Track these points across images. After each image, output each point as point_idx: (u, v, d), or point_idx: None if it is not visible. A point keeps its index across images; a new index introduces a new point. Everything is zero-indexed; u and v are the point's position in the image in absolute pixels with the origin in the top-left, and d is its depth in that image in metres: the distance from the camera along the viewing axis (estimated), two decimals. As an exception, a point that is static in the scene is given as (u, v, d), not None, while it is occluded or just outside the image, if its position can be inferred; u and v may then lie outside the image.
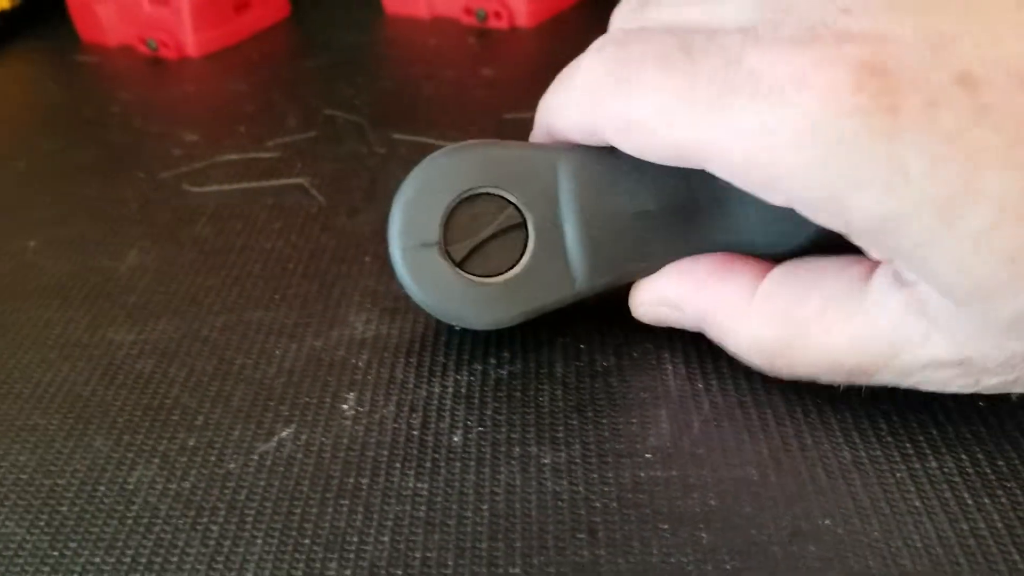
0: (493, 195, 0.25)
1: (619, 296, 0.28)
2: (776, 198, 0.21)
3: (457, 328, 0.28)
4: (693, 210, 0.25)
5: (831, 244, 0.23)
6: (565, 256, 0.25)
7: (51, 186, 0.39)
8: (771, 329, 0.23)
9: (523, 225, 0.25)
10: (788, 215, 0.21)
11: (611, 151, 0.24)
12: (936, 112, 0.18)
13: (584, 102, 0.24)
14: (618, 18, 0.26)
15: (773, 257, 0.25)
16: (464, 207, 0.25)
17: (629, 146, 0.23)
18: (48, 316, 0.31)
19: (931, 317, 0.20)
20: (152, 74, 0.50)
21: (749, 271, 0.25)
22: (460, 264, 0.25)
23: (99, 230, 0.35)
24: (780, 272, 0.24)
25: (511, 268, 0.25)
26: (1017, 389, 0.22)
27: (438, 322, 0.29)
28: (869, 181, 0.18)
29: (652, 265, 0.26)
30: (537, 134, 0.28)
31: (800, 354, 0.23)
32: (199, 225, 0.35)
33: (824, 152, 0.19)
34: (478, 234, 0.25)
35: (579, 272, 0.26)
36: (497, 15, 0.50)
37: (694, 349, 0.27)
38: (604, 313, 0.28)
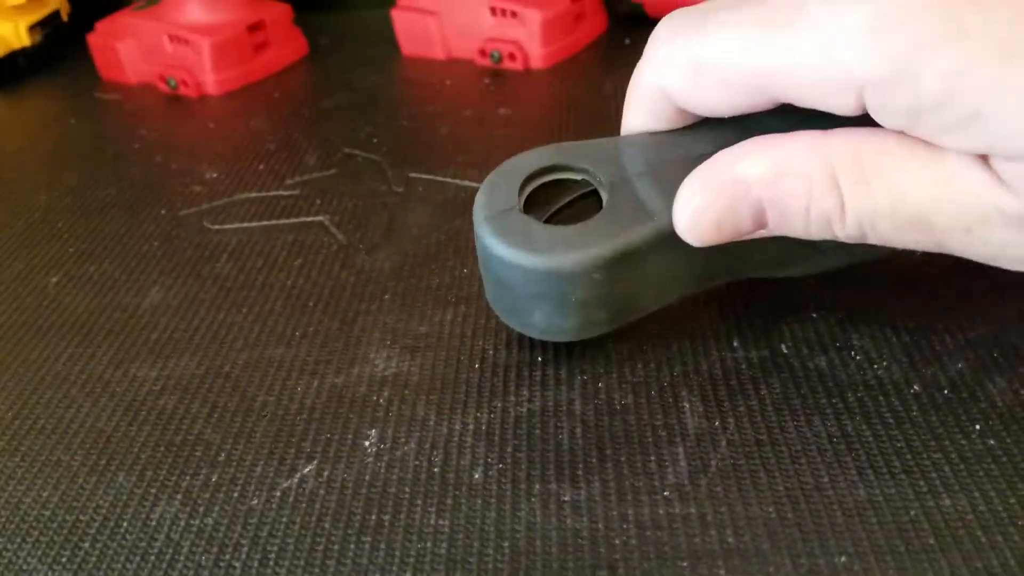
0: (565, 181, 0.28)
1: (637, 334, 0.29)
2: (847, 100, 0.22)
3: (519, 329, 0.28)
4: None
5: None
6: (638, 200, 0.26)
7: (73, 222, 0.40)
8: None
9: (596, 193, 0.27)
10: None
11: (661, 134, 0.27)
12: None
13: (659, 58, 0.25)
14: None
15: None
16: (541, 187, 0.27)
17: (702, 96, 0.25)
18: (71, 352, 0.31)
19: (999, 174, 0.21)
20: (172, 112, 0.51)
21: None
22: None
23: (121, 266, 0.36)
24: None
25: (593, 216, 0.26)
26: None
27: (458, 362, 0.29)
28: (933, 43, 0.20)
29: None
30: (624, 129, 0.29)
31: (870, 208, 0.23)
32: (220, 262, 0.35)
33: (894, 23, 0.20)
34: (556, 203, 0.27)
35: (656, 206, 0.25)
36: (512, 57, 0.51)
37: (711, 387, 0.27)
38: (622, 351, 0.29)
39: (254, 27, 0.52)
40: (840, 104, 0.22)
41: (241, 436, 0.27)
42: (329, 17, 0.62)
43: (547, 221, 0.27)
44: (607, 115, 0.45)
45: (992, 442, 0.24)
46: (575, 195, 0.27)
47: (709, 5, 0.24)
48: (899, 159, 0.22)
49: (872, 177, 0.22)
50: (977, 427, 0.25)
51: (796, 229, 0.24)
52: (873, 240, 0.23)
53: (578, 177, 0.27)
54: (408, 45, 0.55)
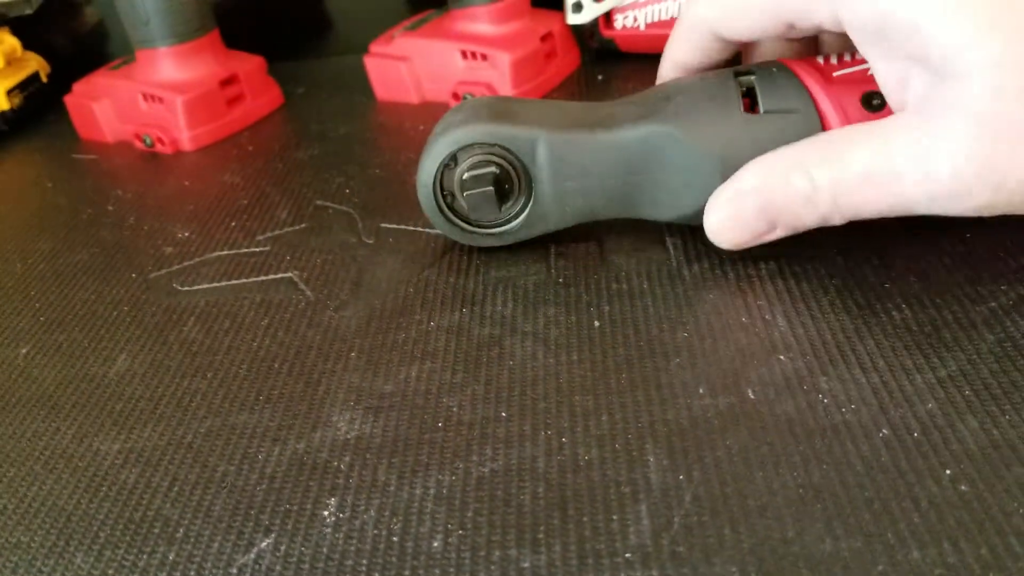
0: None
1: (604, 384, 0.28)
2: (825, 7, 0.29)
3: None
4: (634, 180, 0.34)
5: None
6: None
7: (46, 289, 0.39)
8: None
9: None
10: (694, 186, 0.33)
11: (577, 133, 0.34)
12: None
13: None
14: None
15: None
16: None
17: (733, 23, 0.33)
18: (36, 427, 0.31)
19: (916, 108, 0.28)
20: (148, 170, 0.51)
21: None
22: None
23: (90, 334, 0.36)
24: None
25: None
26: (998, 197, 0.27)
27: (422, 421, 0.28)
28: None
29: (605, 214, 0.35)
30: (663, 67, 0.38)
31: (833, 178, 0.30)
32: (188, 325, 0.35)
33: None
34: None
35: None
36: (485, 97, 0.51)
37: (677, 437, 0.26)
38: (587, 403, 0.28)
39: (227, 81, 0.52)
40: (819, 15, 0.30)
41: (200, 510, 0.26)
42: (304, 66, 0.62)
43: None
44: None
45: (964, 488, 0.24)
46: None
47: None
48: (850, 139, 0.29)
49: (833, 158, 0.29)
50: (948, 472, 0.24)
51: (790, 217, 0.31)
52: (850, 210, 0.29)
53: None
54: (382, 91, 0.55)
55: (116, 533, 0.26)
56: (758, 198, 0.31)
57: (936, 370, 0.27)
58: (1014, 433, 0.25)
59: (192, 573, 0.24)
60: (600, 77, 0.54)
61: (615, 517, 0.24)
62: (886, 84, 0.29)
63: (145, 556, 0.25)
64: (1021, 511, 0.23)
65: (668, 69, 0.37)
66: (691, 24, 0.34)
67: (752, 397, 0.27)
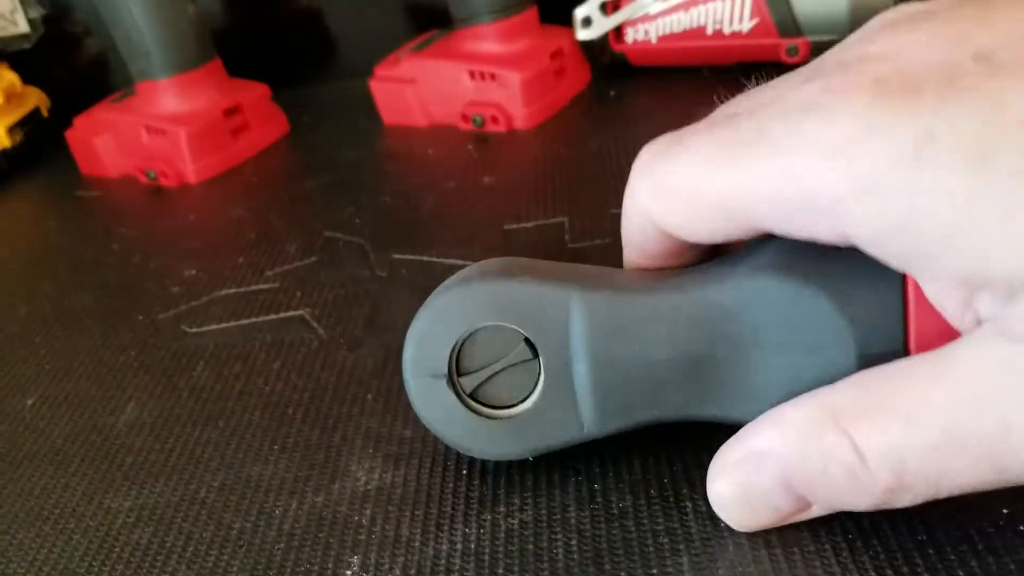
0: (506, 327, 0.25)
1: (633, 430, 0.27)
2: (825, 224, 0.20)
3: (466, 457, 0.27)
4: (712, 362, 0.24)
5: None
6: (574, 398, 0.25)
7: (50, 335, 0.38)
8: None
9: (535, 360, 0.25)
10: (808, 377, 0.22)
11: (628, 295, 0.24)
12: (954, 81, 0.18)
13: (638, 185, 0.24)
14: None
15: None
16: (476, 338, 0.25)
17: (678, 222, 0.23)
18: (44, 484, 0.30)
19: (1010, 329, 0.19)
20: (152, 205, 0.50)
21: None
22: (470, 395, 0.25)
23: (97, 383, 0.34)
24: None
25: (521, 402, 0.25)
26: None
27: (444, 468, 0.27)
28: (902, 158, 0.18)
29: (665, 414, 0.25)
30: (624, 253, 0.27)
31: (889, 444, 0.20)
32: (197, 370, 0.34)
33: (855, 141, 0.19)
34: (489, 367, 0.25)
35: (587, 415, 0.25)
36: (494, 120, 0.50)
37: (714, 481, 0.25)
38: (618, 448, 0.27)
39: (231, 111, 0.51)
40: (816, 229, 0.20)
41: (217, 571, 0.25)
42: (309, 92, 0.61)
43: (476, 389, 0.25)
44: (594, 174, 0.43)
45: (1022, 527, 0.22)
46: (511, 362, 0.25)
47: (687, 129, 0.23)
48: (903, 382, 0.20)
49: (876, 410, 0.20)
50: (1004, 511, 0.23)
51: (827, 497, 0.22)
52: (919, 487, 0.20)
53: (520, 331, 0.25)
54: (389, 115, 0.54)
55: (129, 600, 0.25)
56: (777, 465, 0.22)
57: None
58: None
59: (210, 643, 0.23)
60: (612, 93, 0.52)
61: (655, 571, 0.23)
62: (940, 304, 0.21)
63: (160, 625, 0.24)
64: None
65: (631, 255, 0.26)
66: (634, 223, 0.25)
67: (791, 434, 0.26)
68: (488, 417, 0.25)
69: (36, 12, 0.59)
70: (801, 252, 0.22)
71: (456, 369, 0.25)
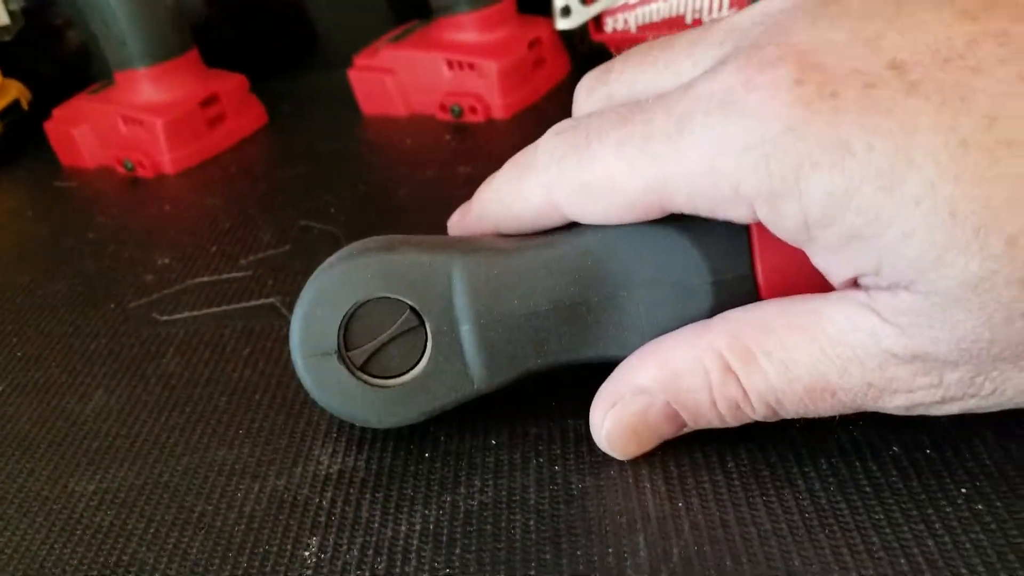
0: (391, 298, 0.25)
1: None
2: (740, 211, 0.21)
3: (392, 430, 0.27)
4: (586, 307, 0.25)
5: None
6: (463, 357, 0.26)
7: (25, 323, 0.38)
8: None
9: (421, 327, 0.25)
10: (672, 310, 0.25)
11: (503, 255, 0.25)
12: (872, 92, 0.19)
13: (546, 177, 0.25)
14: (579, 97, 0.28)
15: None
16: (363, 312, 0.26)
17: (592, 211, 0.24)
18: (9, 469, 0.30)
19: (881, 312, 0.21)
20: (129, 195, 0.49)
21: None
22: (361, 368, 0.26)
23: (67, 370, 0.34)
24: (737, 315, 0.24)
25: (411, 369, 0.26)
26: (985, 404, 0.22)
27: (407, 452, 0.27)
28: (818, 163, 0.19)
29: (549, 361, 0.26)
30: (471, 225, 0.28)
31: (769, 385, 0.23)
32: (167, 357, 0.34)
33: (776, 143, 0.20)
34: (376, 339, 0.25)
35: (476, 372, 0.26)
36: (472, 109, 0.50)
37: (674, 462, 0.25)
38: (580, 427, 0.27)
39: (207, 101, 0.51)
40: (734, 215, 0.22)
41: (176, 553, 0.25)
42: (289, 82, 0.61)
43: (367, 361, 0.26)
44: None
45: (980, 507, 0.22)
46: (398, 331, 0.26)
47: (592, 120, 0.24)
48: (781, 331, 0.22)
49: (761, 356, 0.23)
50: (963, 491, 0.23)
51: (711, 421, 0.24)
52: (789, 416, 0.23)
53: (405, 301, 0.25)
54: (368, 104, 0.54)
55: (88, 581, 0.25)
56: (664, 399, 0.24)
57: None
58: (1030, 446, 0.24)
59: (166, 624, 0.23)
60: (590, 83, 0.52)
61: (611, 550, 0.23)
62: (827, 272, 0.22)
63: (117, 606, 0.24)
64: (1042, 531, 0.21)
65: (500, 227, 0.27)
66: (535, 204, 0.25)
67: (753, 415, 0.26)
68: (381, 387, 0.26)
69: (16, 4, 0.59)
70: None
71: (345, 344, 0.25)
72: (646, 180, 0.22)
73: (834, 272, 0.22)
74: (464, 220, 0.29)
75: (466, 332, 0.25)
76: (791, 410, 0.23)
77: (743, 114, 0.20)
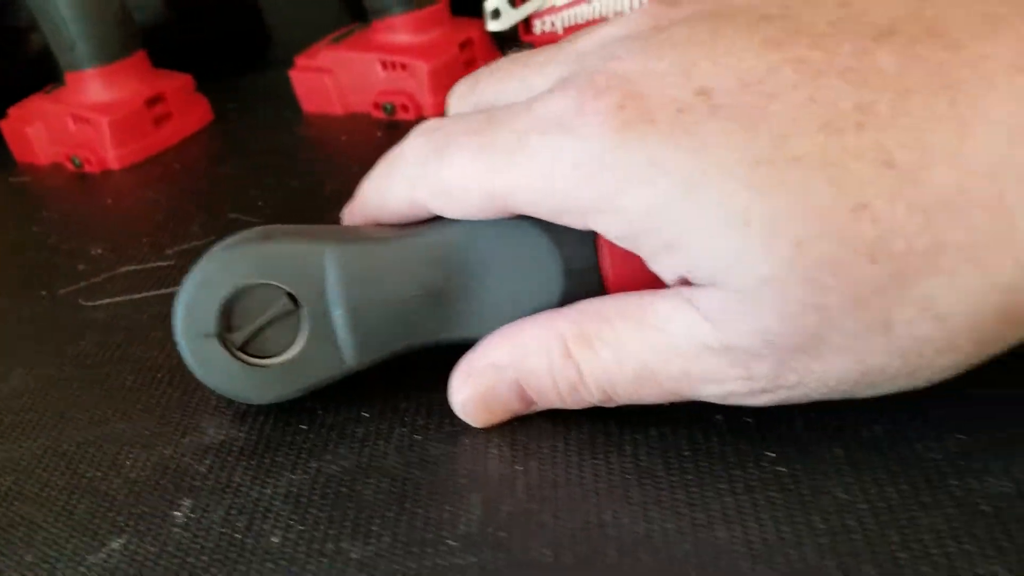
0: (270, 284, 0.27)
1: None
2: (575, 220, 0.24)
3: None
4: (449, 293, 0.28)
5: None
6: (335, 339, 0.28)
7: (-40, 309, 0.41)
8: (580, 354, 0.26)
9: (297, 311, 0.28)
10: (527, 296, 0.27)
11: (373, 244, 0.28)
12: (681, 116, 0.22)
13: (411, 176, 0.27)
14: (452, 101, 0.31)
15: None
16: (242, 297, 0.28)
17: (451, 209, 0.27)
18: (-74, 441, 0.32)
19: (698, 307, 0.23)
20: (76, 190, 0.52)
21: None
22: (240, 348, 0.28)
23: (-9, 352, 0.37)
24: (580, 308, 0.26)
25: (288, 349, 0.28)
26: (793, 395, 0.23)
27: (286, 424, 0.29)
28: (635, 180, 0.22)
29: (415, 342, 0.28)
30: (355, 216, 0.30)
31: (602, 370, 0.25)
32: (85, 340, 0.36)
33: (600, 163, 0.22)
34: (254, 322, 0.28)
35: (347, 353, 0.28)
36: (404, 108, 0.52)
37: (522, 430, 0.27)
38: (445, 403, 0.29)
39: (153, 100, 0.53)
40: (570, 222, 0.25)
41: (63, 514, 0.27)
42: (236, 82, 0.63)
43: (246, 342, 0.28)
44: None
45: (782, 469, 0.24)
46: (274, 315, 0.28)
47: (452, 126, 0.27)
48: (615, 321, 0.25)
49: (596, 342, 0.25)
50: (770, 455, 0.25)
51: (554, 401, 0.27)
52: (622, 401, 0.26)
53: (282, 287, 0.28)
54: (308, 103, 0.56)
55: (-19, 540, 0.27)
56: (513, 375, 0.27)
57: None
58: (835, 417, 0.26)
59: (45, 573, 0.25)
60: (520, 82, 0.54)
61: (448, 508, 0.25)
62: (658, 273, 0.24)
63: (4, 558, 0.26)
64: (832, 490, 0.23)
65: (372, 217, 0.30)
66: (402, 202, 0.28)
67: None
68: (258, 367, 0.28)
69: (-21, 7, 0.62)
70: None
71: (227, 327, 0.28)
72: (492, 187, 0.25)
73: (663, 273, 0.24)
74: (351, 212, 0.31)
75: (338, 316, 0.27)
76: (623, 395, 0.25)
77: (574, 136, 0.23)
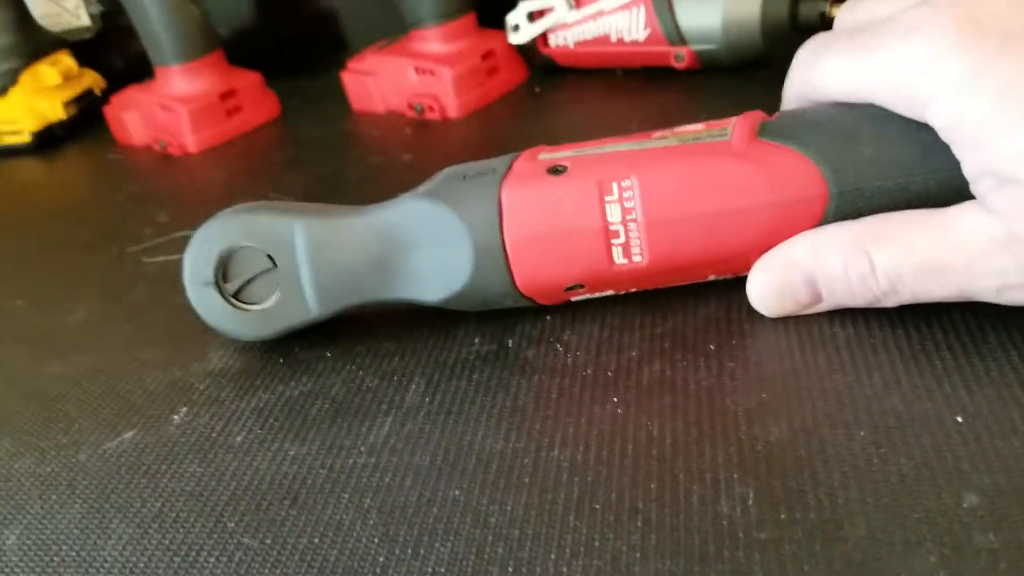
0: (255, 247, 0.36)
1: (410, 336, 0.37)
2: (917, 110, 0.29)
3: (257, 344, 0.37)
4: (389, 260, 0.35)
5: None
6: (303, 293, 0.36)
7: (48, 259, 0.51)
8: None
9: (275, 269, 0.36)
10: (445, 264, 0.35)
11: (332, 218, 0.36)
12: (1008, 36, 0.27)
13: (796, 76, 0.35)
14: (841, 16, 0.36)
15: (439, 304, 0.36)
16: (235, 255, 0.36)
17: (823, 91, 0.33)
18: (2, 353, 0.42)
19: (991, 207, 0.28)
20: (159, 168, 0.62)
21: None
22: (233, 296, 0.36)
23: (65, 292, 0.46)
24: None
25: (268, 299, 0.36)
26: None
27: (269, 358, 0.38)
28: (960, 83, 0.28)
29: (366, 298, 0.36)
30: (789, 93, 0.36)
31: (892, 262, 0.30)
32: (137, 288, 0.46)
33: (938, 64, 0.28)
34: (242, 276, 0.36)
35: (313, 304, 0.36)
36: (431, 108, 0.60)
37: (440, 373, 0.35)
38: (391, 349, 0.36)
39: (227, 95, 0.63)
40: (912, 113, 0.30)
41: (93, 413, 0.36)
42: (301, 81, 0.72)
43: (237, 291, 0.36)
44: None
45: (620, 411, 0.31)
46: (258, 271, 0.36)
47: (832, 35, 0.33)
48: (908, 223, 0.30)
49: (890, 239, 0.30)
50: (615, 399, 0.32)
51: (842, 293, 0.31)
52: (906, 296, 0.30)
53: (261, 249, 0.36)
54: (356, 101, 0.64)
55: (36, 425, 0.36)
56: (810, 270, 0.31)
57: (655, 328, 0.35)
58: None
59: (71, 451, 0.34)
60: (537, 90, 0.62)
61: (367, 424, 0.33)
62: (970, 177, 0.29)
63: (47, 439, 0.35)
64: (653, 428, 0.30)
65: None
66: (792, 96, 0.35)
67: (510, 345, 0.35)
68: (245, 311, 0.36)
69: (95, 8, 0.72)
70: (442, 185, 0.35)
71: (223, 278, 0.36)
72: (852, 83, 0.31)
73: (971, 166, 0.28)
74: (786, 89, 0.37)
75: (304, 274, 0.36)
76: (908, 288, 0.30)
77: (923, 37, 0.28)
